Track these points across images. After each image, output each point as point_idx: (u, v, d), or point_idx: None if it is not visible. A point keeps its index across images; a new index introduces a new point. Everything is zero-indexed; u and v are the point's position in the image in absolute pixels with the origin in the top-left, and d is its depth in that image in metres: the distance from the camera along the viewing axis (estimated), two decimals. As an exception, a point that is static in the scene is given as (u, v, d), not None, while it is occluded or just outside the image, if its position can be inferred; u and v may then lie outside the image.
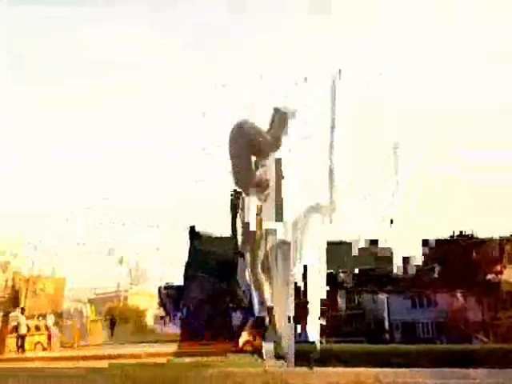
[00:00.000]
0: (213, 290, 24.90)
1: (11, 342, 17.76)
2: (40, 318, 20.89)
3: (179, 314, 27.33)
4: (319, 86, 11.18)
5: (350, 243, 33.07)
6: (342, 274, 33.90)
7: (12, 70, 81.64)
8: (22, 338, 17.57)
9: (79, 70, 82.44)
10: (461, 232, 34.13)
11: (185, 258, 28.34)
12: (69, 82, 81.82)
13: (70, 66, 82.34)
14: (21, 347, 17.37)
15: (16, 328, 17.84)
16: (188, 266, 27.23)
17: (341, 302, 33.86)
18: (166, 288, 32.83)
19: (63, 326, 22.09)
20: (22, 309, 21.92)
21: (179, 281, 29.10)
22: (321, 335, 10.34)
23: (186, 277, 27.21)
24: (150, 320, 41.55)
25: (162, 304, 33.93)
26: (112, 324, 28.33)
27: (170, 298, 30.96)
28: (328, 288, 10.60)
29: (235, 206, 12.30)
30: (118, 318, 32.51)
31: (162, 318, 35.42)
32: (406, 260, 35.33)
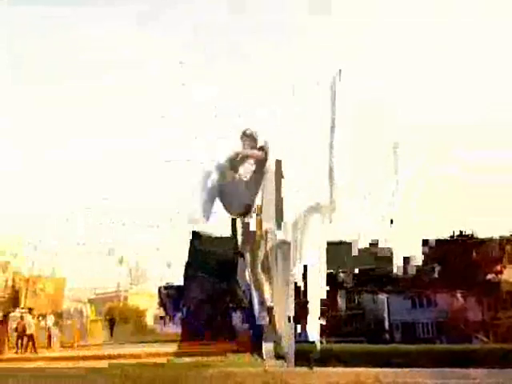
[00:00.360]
0: (213, 290, 24.85)
1: (15, 342, 17.74)
2: (40, 318, 20.87)
3: (179, 314, 27.32)
4: (319, 86, 11.18)
5: (350, 243, 33.05)
6: (341, 274, 33.89)
7: (12, 70, 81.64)
8: (31, 337, 17.58)
9: (79, 70, 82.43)
10: (461, 232, 34.13)
11: (185, 257, 28.35)
12: (69, 81, 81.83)
13: (69, 66, 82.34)
14: (31, 347, 17.37)
15: (17, 328, 17.81)
16: (188, 265, 27.20)
17: (341, 302, 33.84)
18: (166, 288, 32.86)
19: (63, 325, 22.04)
20: (30, 309, 21.92)
21: (179, 281, 29.09)
22: (321, 335, 10.34)
23: (186, 277, 27.20)
24: (149, 320, 41.56)
25: (162, 304, 33.94)
26: (111, 324, 28.30)
27: (170, 298, 30.96)
28: (328, 288, 10.61)
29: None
30: (118, 318, 32.51)
31: (161, 317, 35.42)
32: (406, 260, 35.32)
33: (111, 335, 26.44)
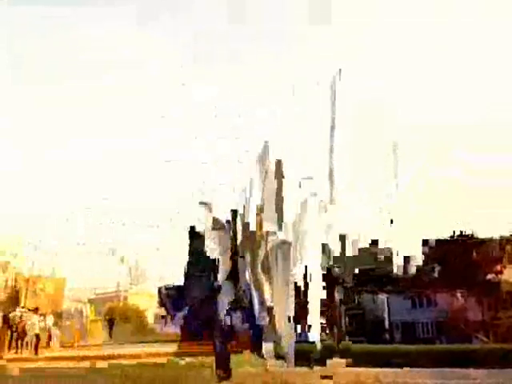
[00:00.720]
0: (212, 289, 24.84)
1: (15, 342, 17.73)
2: (40, 318, 20.90)
3: (179, 314, 27.40)
4: (319, 87, 11.19)
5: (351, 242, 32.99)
6: (336, 269, 33.78)
7: (12, 70, 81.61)
8: (37, 337, 17.63)
9: (79, 70, 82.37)
10: (461, 232, 34.07)
11: (185, 258, 28.40)
12: (69, 81, 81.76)
13: (69, 66, 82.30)
14: (31, 347, 17.35)
15: (17, 328, 17.82)
16: (188, 265, 27.34)
17: (339, 298, 33.81)
18: (166, 288, 32.94)
19: (63, 326, 22.16)
20: (36, 309, 21.96)
21: (179, 281, 29.20)
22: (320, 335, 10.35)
23: (187, 277, 27.33)
24: (150, 319, 41.61)
25: (162, 304, 34.02)
26: (111, 324, 28.37)
27: (170, 298, 31.03)
28: (328, 288, 10.62)
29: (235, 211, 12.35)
30: (118, 318, 32.61)
31: (162, 317, 35.48)
32: (406, 260, 35.31)
33: (110, 335, 26.48)
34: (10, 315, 19.47)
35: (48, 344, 19.11)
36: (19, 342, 17.50)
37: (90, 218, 39.28)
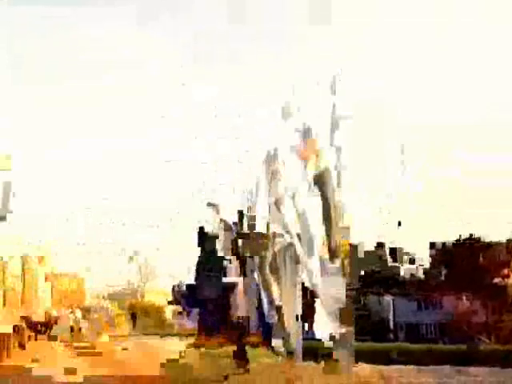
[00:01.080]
0: (223, 288, 25.62)
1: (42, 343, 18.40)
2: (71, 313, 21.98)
3: (195, 310, 28.28)
4: (319, 91, 11.61)
5: (357, 245, 33.28)
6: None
7: (12, 70, 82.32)
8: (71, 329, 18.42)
9: (79, 70, 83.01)
10: (470, 235, 34.16)
11: (190, 256, 29.22)
12: (69, 81, 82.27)
13: (69, 66, 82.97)
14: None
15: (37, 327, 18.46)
16: (199, 264, 28.23)
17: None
18: (179, 287, 33.82)
19: (91, 318, 23.29)
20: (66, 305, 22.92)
21: (190, 280, 30.00)
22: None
23: (198, 275, 28.26)
24: (168, 315, 42.46)
25: (177, 302, 34.93)
26: (134, 317, 29.64)
27: (184, 295, 31.90)
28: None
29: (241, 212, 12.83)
30: (139, 313, 33.90)
31: (179, 313, 36.35)
32: (412, 263, 35.55)
33: (134, 327, 27.72)
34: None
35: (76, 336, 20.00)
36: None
37: (90, 217, 39.45)
